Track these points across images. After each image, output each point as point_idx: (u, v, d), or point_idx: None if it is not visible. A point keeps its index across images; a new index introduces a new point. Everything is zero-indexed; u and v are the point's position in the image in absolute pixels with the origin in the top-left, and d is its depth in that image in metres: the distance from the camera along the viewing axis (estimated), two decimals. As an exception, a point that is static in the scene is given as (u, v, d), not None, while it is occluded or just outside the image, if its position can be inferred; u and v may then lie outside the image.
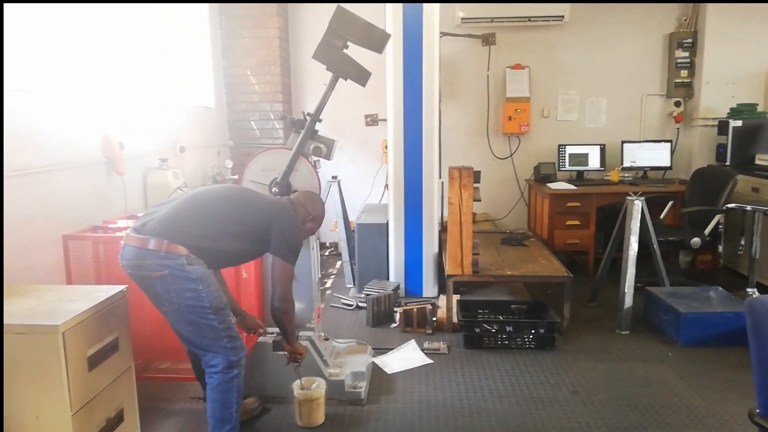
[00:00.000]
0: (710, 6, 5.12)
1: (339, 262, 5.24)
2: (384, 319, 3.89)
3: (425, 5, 4.00)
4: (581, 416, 2.67)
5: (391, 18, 4.03)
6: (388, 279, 4.33)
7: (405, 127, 4.14)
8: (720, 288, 3.85)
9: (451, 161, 4.22)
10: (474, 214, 4.28)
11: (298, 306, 2.80)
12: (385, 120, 4.27)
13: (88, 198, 3.21)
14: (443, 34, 4.66)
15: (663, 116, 5.51)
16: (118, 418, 2.23)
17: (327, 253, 5.79)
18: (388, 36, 2.93)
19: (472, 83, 5.56)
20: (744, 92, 5.15)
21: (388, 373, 3.13)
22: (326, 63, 2.87)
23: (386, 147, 4.50)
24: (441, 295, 4.14)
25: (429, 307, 3.71)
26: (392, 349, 3.42)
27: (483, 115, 5.61)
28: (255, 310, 2.94)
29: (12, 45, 2.73)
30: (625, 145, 5.29)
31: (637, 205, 3.65)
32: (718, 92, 5.20)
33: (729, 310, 3.47)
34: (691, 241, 4.13)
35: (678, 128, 5.45)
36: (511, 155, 5.66)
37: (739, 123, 4.82)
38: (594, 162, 5.32)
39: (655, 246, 3.79)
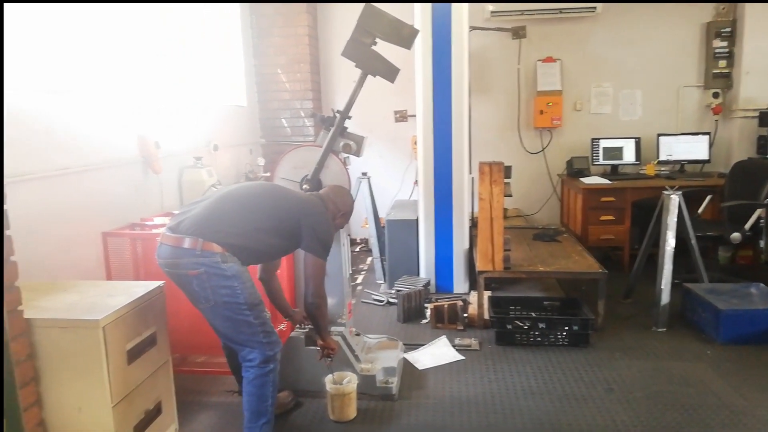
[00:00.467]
0: (750, -7, 4.95)
1: (369, 258, 5.27)
2: (415, 315, 3.89)
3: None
4: (616, 414, 2.62)
5: (419, 14, 4.01)
6: (418, 275, 4.32)
7: (434, 122, 4.13)
8: (761, 284, 3.73)
9: (481, 156, 4.18)
10: (505, 210, 4.25)
11: (330, 302, 2.83)
12: (415, 116, 4.27)
13: (126, 196, 3.30)
14: (472, 28, 4.62)
15: (700, 108, 5.35)
16: (156, 411, 2.28)
17: (358, 249, 5.82)
18: (416, 32, 2.92)
19: (503, 77, 5.50)
20: (786, 82, 4.97)
21: (419, 368, 3.14)
22: (355, 60, 2.88)
23: (415, 143, 4.50)
24: (472, 292, 4.12)
25: (460, 303, 3.70)
26: (423, 344, 3.42)
27: (514, 110, 5.55)
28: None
29: (54, 47, 2.83)
30: (661, 138, 5.16)
31: (674, 200, 3.57)
32: (759, 82, 5.03)
33: (771, 307, 3.37)
34: (731, 236, 4.01)
35: (716, 120, 5.28)
36: (542, 150, 5.58)
37: (781, 114, 4.67)
38: (629, 156, 5.22)
39: (693, 241, 3.69)
